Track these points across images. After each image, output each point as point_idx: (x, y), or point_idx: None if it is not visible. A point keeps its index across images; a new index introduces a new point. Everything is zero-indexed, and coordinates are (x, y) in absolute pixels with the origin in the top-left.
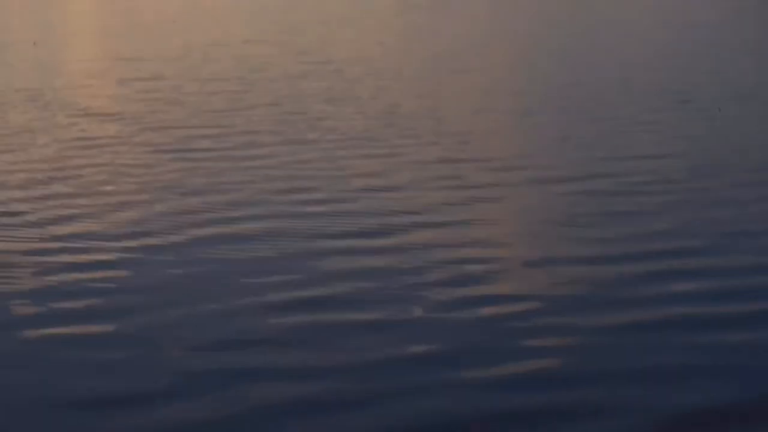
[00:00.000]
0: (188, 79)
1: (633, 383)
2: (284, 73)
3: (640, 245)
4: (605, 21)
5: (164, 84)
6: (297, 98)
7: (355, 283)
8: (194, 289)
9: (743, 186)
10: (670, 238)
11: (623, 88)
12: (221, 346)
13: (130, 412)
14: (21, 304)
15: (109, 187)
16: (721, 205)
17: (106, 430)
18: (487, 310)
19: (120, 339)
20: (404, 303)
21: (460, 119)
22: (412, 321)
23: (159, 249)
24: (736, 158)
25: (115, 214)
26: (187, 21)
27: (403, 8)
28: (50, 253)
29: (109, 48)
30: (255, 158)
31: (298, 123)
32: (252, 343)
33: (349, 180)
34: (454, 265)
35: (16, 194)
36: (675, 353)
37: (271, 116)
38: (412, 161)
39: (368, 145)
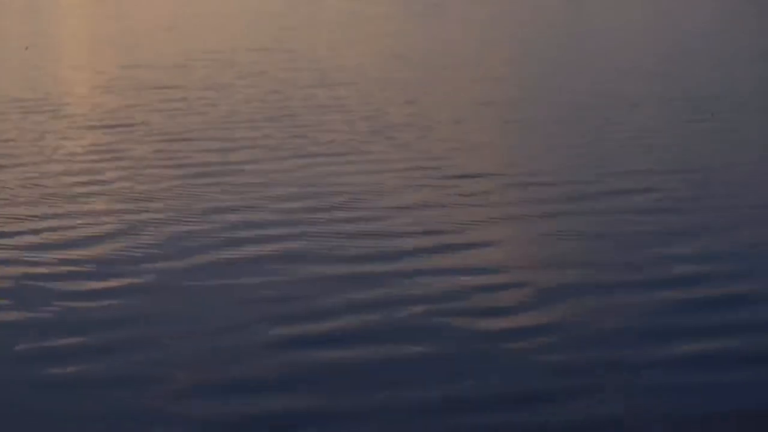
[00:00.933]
0: (195, 89)
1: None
2: (292, 83)
3: (665, 270)
4: (601, 27)
5: (171, 93)
6: (309, 109)
7: (367, 315)
8: (206, 319)
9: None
10: (693, 262)
11: (629, 99)
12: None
13: None
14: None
15: (122, 206)
16: (741, 226)
17: None
18: (513, 345)
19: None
20: (431, 336)
21: (477, 133)
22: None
23: (175, 273)
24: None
25: (131, 235)
26: (183, 28)
27: (403, 15)
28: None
29: (106, 56)
30: (271, 173)
31: (309, 135)
32: (263, 382)
33: (371, 198)
34: (477, 293)
35: (28, 211)
36: (711, 394)
37: (283, 128)
38: (431, 176)
39: (373, 160)
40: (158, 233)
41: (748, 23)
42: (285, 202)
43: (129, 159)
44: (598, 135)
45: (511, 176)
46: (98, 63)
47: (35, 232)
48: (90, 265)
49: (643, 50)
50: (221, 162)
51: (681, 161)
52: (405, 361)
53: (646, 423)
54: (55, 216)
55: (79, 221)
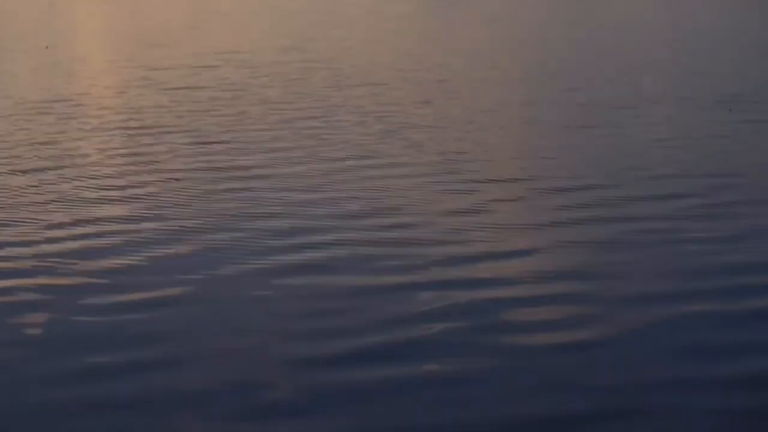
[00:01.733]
0: (220, 89)
1: None
2: (317, 83)
3: (708, 282)
4: (614, 23)
5: (196, 94)
6: (329, 110)
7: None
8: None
9: None
10: (737, 272)
11: (649, 97)
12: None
13: None
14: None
15: (147, 213)
16: None
17: None
18: (551, 362)
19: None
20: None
21: (498, 135)
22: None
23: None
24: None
25: (157, 244)
26: (206, 27)
27: (424, 11)
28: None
29: (126, 55)
30: (290, 177)
31: (332, 139)
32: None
33: (397, 204)
34: (512, 306)
35: (48, 216)
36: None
37: (305, 131)
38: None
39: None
40: (184, 242)
41: (763, 17)
42: (309, 208)
43: (152, 163)
44: (621, 135)
45: (538, 180)
46: (119, 62)
47: (58, 240)
48: (115, 276)
49: (656, 45)
50: (242, 166)
51: (711, 162)
52: (440, 380)
53: None
54: (75, 223)
55: (104, 229)
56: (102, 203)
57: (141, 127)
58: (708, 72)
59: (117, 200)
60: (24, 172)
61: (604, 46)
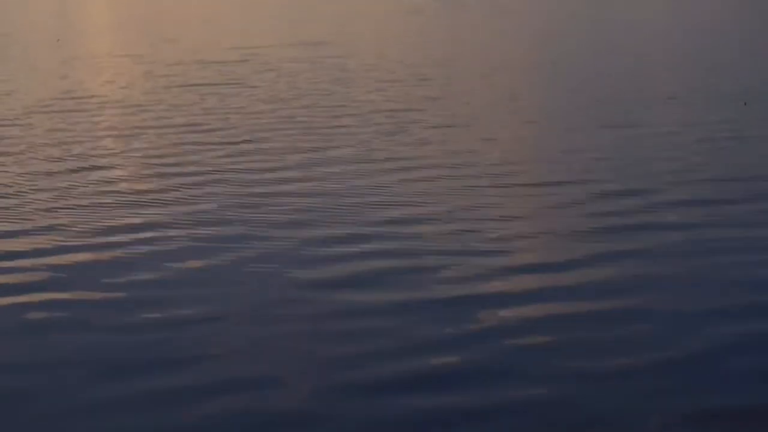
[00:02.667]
0: (245, 86)
1: None
2: (348, 82)
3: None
4: (624, 19)
5: (222, 92)
6: (358, 108)
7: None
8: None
9: None
10: None
11: (665, 92)
12: None
13: None
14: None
15: (192, 218)
16: None
17: None
18: (618, 386)
19: None
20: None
21: (519, 138)
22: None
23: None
24: None
25: (195, 257)
26: (221, 21)
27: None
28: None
29: (138, 50)
30: (326, 181)
31: (366, 142)
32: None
33: (436, 211)
34: (569, 323)
35: (76, 221)
36: None
37: (340, 135)
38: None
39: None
40: (214, 253)
41: None
42: (349, 215)
43: (180, 164)
44: (645, 135)
45: (575, 185)
46: (137, 58)
47: (85, 249)
48: (143, 290)
49: (664, 41)
50: (275, 168)
51: (742, 164)
52: (506, 406)
53: None
54: (104, 231)
55: (132, 237)
56: (128, 208)
57: (169, 126)
58: (719, 67)
59: (144, 205)
60: (53, 173)
61: (613, 43)
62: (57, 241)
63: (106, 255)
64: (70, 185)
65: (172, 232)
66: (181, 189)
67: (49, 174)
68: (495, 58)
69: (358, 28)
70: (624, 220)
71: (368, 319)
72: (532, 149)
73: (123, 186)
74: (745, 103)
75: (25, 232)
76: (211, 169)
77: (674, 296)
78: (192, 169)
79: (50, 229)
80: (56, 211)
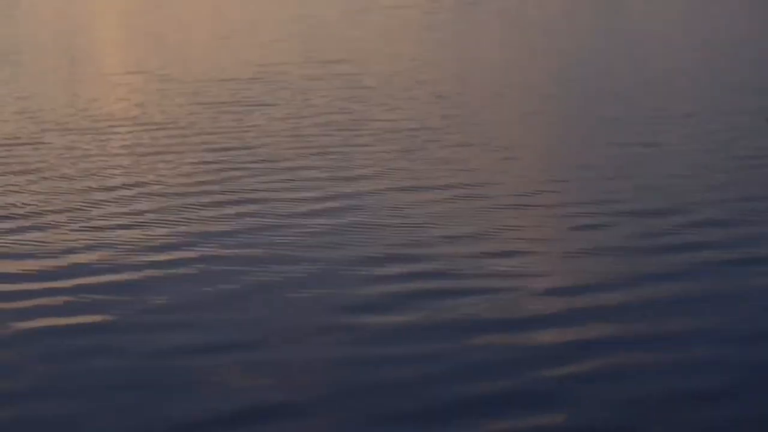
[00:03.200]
0: (257, 105)
1: None
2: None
3: None
4: (633, 27)
5: (239, 110)
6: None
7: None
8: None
9: None
10: None
11: (682, 109)
12: None
13: None
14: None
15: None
16: None
17: None
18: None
19: None
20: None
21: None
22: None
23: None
24: None
25: (235, 278)
26: (239, 37)
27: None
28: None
29: (160, 65)
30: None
31: (402, 161)
32: None
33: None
34: (606, 350)
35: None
36: None
37: (376, 153)
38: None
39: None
40: (249, 275)
41: None
42: (390, 235)
43: (210, 183)
44: (665, 153)
45: (598, 205)
46: (145, 75)
47: (118, 270)
48: (171, 313)
49: (674, 52)
50: (311, 188)
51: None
52: None
53: None
54: (134, 252)
55: (161, 258)
56: (151, 229)
57: (185, 145)
58: (731, 80)
59: (167, 225)
60: (70, 192)
61: (628, 56)
62: (79, 263)
63: (131, 277)
64: (86, 205)
65: (195, 254)
66: (201, 209)
67: (67, 193)
68: (509, 74)
69: (374, 45)
70: (655, 240)
71: (397, 345)
72: (552, 168)
73: (143, 206)
74: (766, 119)
75: (46, 254)
76: (233, 188)
77: (716, 318)
78: (210, 188)
79: (70, 251)
80: (76, 232)
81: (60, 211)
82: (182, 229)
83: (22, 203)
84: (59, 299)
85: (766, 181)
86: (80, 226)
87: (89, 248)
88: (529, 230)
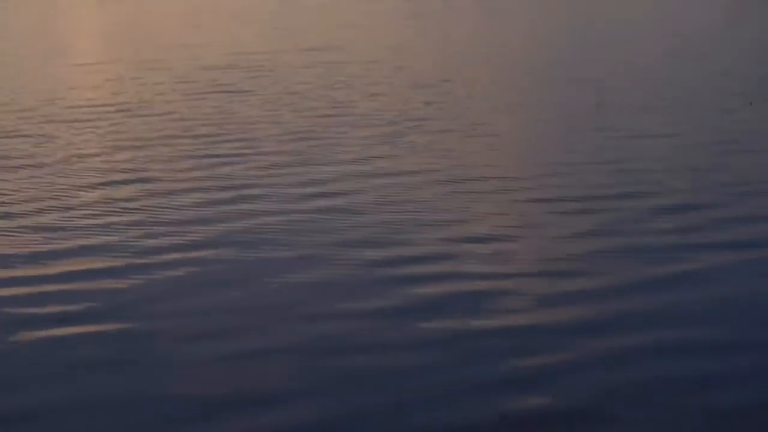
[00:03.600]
0: (238, 93)
1: None
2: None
3: None
4: (613, 19)
5: (222, 98)
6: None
7: None
8: None
9: None
10: None
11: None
12: None
13: None
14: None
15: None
16: None
17: None
18: None
19: None
20: None
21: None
22: None
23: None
24: None
25: (248, 281)
26: (211, 25)
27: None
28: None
29: (154, 56)
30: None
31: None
32: None
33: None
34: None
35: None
36: None
37: (378, 145)
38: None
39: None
40: (257, 280)
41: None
42: (407, 233)
43: (216, 178)
44: (658, 141)
45: (594, 190)
46: (125, 64)
47: (129, 272)
48: (205, 320)
49: (654, 42)
50: (319, 181)
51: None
52: None
53: None
54: (155, 252)
55: (165, 259)
56: (160, 226)
57: (176, 132)
58: (714, 66)
59: (176, 224)
60: (75, 189)
61: (605, 45)
62: (90, 264)
63: (143, 281)
64: (89, 201)
65: (210, 255)
66: (182, 196)
67: (48, 184)
68: (492, 62)
69: (354, 33)
70: (640, 225)
71: (423, 353)
72: (537, 154)
73: (151, 203)
74: (750, 103)
75: (54, 254)
76: (212, 176)
77: (702, 299)
78: (189, 176)
79: (83, 250)
80: (87, 229)
81: (36, 200)
82: (165, 217)
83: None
84: (65, 304)
85: (749, 164)
86: (61, 218)
87: (78, 239)
88: (514, 216)
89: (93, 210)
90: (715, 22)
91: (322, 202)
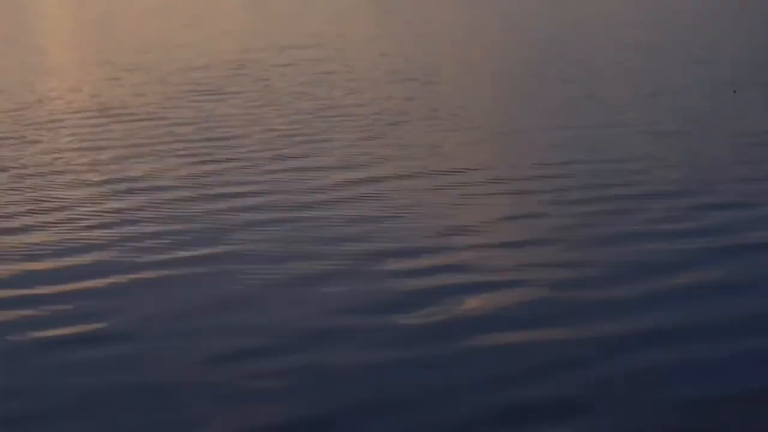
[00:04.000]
0: (222, 94)
1: None
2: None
3: None
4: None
5: (202, 99)
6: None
7: None
8: None
9: None
10: None
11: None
12: None
13: None
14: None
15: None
16: None
17: None
18: None
19: None
20: None
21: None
22: None
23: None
24: None
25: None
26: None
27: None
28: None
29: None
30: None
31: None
32: None
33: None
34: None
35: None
36: None
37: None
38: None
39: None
40: (264, 276)
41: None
42: (404, 231)
43: (205, 179)
44: (645, 132)
45: (612, 188)
46: (105, 65)
47: (135, 270)
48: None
49: (632, 33)
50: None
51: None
52: None
53: None
54: (155, 265)
55: (167, 257)
56: (162, 225)
57: (161, 136)
58: (692, 56)
59: (175, 222)
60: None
61: (591, 35)
62: (95, 267)
63: (147, 277)
64: (57, 201)
65: (212, 253)
66: (165, 204)
67: (33, 190)
68: (474, 56)
69: (334, 29)
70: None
71: (434, 348)
72: (524, 149)
73: (117, 204)
74: (734, 91)
75: (58, 253)
76: (200, 183)
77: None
78: (176, 183)
79: (89, 248)
80: (91, 230)
81: (22, 204)
82: (149, 229)
83: None
84: (71, 308)
85: (735, 153)
86: (51, 222)
87: (71, 249)
88: (500, 209)
89: (85, 221)
90: (697, 11)
91: (310, 198)
